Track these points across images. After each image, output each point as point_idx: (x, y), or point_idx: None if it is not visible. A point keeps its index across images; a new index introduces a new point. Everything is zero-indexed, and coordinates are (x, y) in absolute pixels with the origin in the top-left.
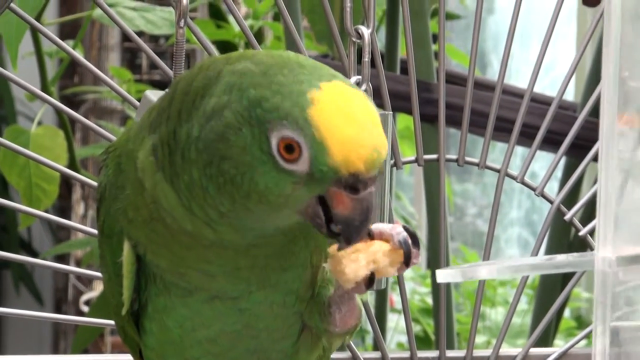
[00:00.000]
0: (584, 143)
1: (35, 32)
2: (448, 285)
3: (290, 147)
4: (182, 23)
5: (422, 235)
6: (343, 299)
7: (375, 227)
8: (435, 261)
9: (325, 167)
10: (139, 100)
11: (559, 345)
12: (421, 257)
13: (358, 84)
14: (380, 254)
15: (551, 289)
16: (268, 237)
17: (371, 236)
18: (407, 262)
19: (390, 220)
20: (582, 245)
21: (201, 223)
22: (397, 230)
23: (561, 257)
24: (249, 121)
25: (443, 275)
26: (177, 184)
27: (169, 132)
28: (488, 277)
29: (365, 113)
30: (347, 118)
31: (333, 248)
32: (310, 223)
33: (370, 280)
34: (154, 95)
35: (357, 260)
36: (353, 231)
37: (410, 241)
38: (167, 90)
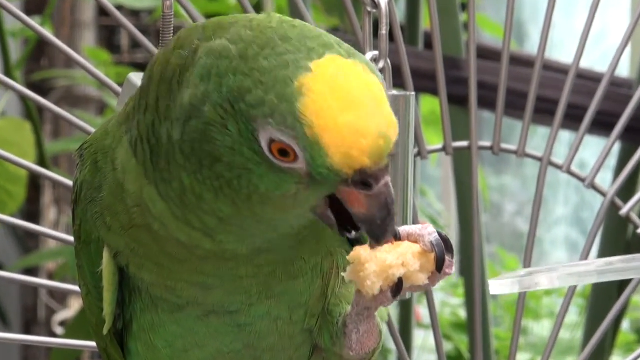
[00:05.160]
0: None
1: None
2: (484, 295)
3: (283, 151)
4: None
5: (453, 237)
6: (361, 317)
7: (403, 229)
8: (468, 267)
9: (324, 169)
10: (120, 85)
11: None
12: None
13: (375, 61)
14: (409, 256)
15: (606, 296)
16: (275, 242)
17: (398, 238)
18: (439, 267)
19: (415, 221)
20: None
21: (199, 234)
22: (428, 230)
23: (635, 258)
24: (232, 116)
25: (497, 287)
26: (166, 192)
27: (148, 126)
28: (549, 286)
29: (366, 90)
30: (343, 105)
31: (354, 253)
32: (324, 223)
33: (397, 288)
34: (138, 79)
35: (382, 263)
36: (377, 230)
37: (443, 245)
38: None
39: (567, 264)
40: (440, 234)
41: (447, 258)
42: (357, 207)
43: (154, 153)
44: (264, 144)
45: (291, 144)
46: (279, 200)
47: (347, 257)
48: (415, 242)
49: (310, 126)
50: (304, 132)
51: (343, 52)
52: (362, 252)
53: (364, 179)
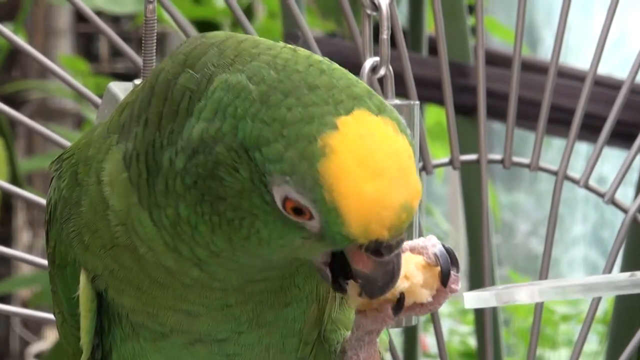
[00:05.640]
0: None
1: None
2: (495, 322)
3: (298, 210)
4: None
5: (461, 259)
6: (362, 342)
7: (405, 243)
8: None
9: (339, 235)
10: (99, 96)
11: None
12: (461, 285)
13: (375, 69)
14: (412, 266)
15: (628, 323)
16: (268, 272)
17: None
18: (444, 280)
19: None
20: None
21: (188, 263)
22: (432, 242)
23: (626, 274)
24: (246, 162)
25: (472, 299)
26: (158, 218)
27: (148, 144)
28: (529, 300)
29: (393, 156)
30: (367, 171)
31: None
32: (319, 274)
33: (398, 304)
34: (119, 89)
35: None
36: (375, 290)
37: (448, 257)
38: (139, 82)
39: (558, 280)
40: (444, 246)
41: (452, 272)
42: (361, 266)
43: (151, 175)
44: (277, 200)
45: (308, 206)
46: (279, 248)
47: None
48: (419, 254)
49: (330, 191)
50: (322, 196)
51: (373, 106)
52: None
53: (377, 248)
